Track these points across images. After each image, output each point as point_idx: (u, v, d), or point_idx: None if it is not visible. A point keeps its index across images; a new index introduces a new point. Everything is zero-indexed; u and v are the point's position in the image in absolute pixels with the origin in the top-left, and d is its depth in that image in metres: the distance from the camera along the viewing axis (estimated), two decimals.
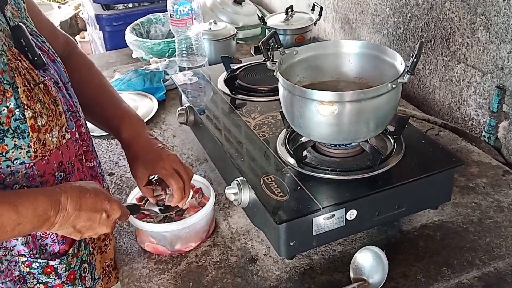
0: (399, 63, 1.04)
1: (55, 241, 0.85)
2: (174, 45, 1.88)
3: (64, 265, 0.87)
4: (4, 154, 0.76)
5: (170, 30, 2.13)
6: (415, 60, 0.96)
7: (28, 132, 0.77)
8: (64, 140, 0.85)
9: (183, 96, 1.43)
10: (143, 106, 1.60)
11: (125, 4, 2.58)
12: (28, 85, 0.78)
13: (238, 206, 1.06)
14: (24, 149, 0.77)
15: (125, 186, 1.27)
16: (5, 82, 0.74)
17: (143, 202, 1.09)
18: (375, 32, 1.73)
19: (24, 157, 0.78)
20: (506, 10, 1.20)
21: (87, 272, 0.92)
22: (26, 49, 0.80)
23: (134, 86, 1.69)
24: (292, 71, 1.11)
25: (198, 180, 1.13)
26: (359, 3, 1.79)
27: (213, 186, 1.13)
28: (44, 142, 0.80)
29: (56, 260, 0.85)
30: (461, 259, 0.99)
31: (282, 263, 1.01)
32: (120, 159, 1.37)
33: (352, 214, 0.98)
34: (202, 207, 1.06)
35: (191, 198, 1.07)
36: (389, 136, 1.13)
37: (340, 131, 1.00)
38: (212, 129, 1.24)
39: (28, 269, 0.84)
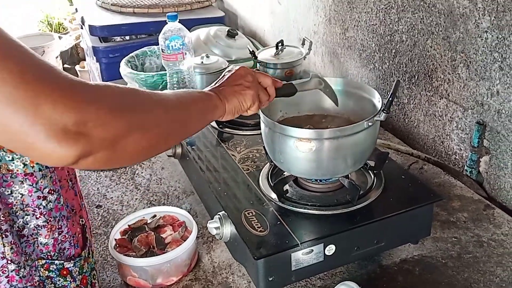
0: (377, 101, 1.07)
1: (71, 244, 0.87)
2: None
3: (78, 268, 0.88)
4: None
5: None
6: (390, 99, 0.99)
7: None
8: None
9: None
10: None
11: (122, 37, 2.64)
12: None
13: (220, 240, 1.07)
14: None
15: (112, 218, 1.29)
16: None
17: (126, 236, 1.10)
18: (362, 67, 1.77)
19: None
20: (484, 48, 1.24)
21: (96, 279, 0.94)
22: None
23: None
24: (275, 106, 1.14)
25: (181, 213, 1.15)
26: (346, 39, 1.83)
27: (198, 219, 1.15)
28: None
29: (71, 261, 0.87)
30: None
31: None
32: (108, 191, 1.39)
33: (330, 249, 0.99)
34: (185, 240, 1.07)
35: (175, 232, 1.09)
36: (369, 171, 1.15)
37: (319, 166, 1.02)
38: (197, 162, 1.26)
39: (47, 273, 0.85)
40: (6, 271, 0.80)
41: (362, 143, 1.02)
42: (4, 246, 0.78)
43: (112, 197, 1.37)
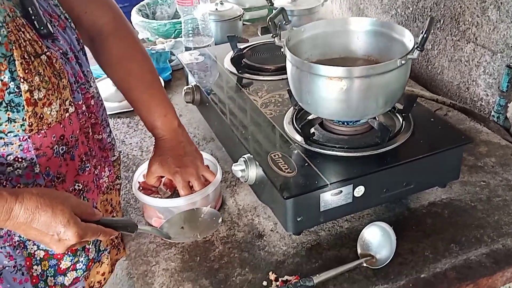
0: (408, 40, 1.03)
1: None
2: (180, 26, 1.87)
3: None
4: None
5: (176, 11, 2.13)
6: (425, 36, 0.95)
7: (23, 106, 0.76)
8: (67, 114, 0.84)
9: (190, 75, 1.43)
10: None
11: None
12: (27, 58, 0.76)
13: (245, 183, 1.06)
14: (18, 122, 0.76)
15: (132, 163, 1.27)
16: (0, 55, 0.73)
17: None
18: (383, 13, 1.71)
19: (18, 130, 0.77)
20: None
21: (91, 244, 0.93)
22: (33, 18, 0.79)
23: None
24: (299, 48, 1.10)
25: (205, 157, 1.13)
26: None
27: (219, 164, 1.13)
28: (42, 116, 0.79)
29: None
30: (469, 236, 0.99)
31: (289, 239, 1.01)
32: (126, 138, 1.37)
33: (359, 190, 0.97)
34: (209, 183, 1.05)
35: None
36: (397, 114, 1.12)
37: (349, 107, 0.99)
38: (218, 107, 1.23)
39: None
40: None
41: (394, 83, 0.98)
42: None
43: (131, 143, 1.35)
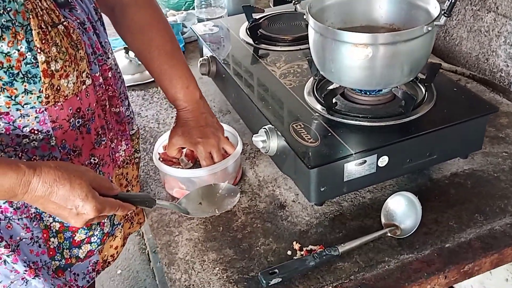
0: (433, 7, 1.01)
1: None
2: None
3: None
4: (13, 98, 0.74)
5: None
6: (452, 1, 0.92)
7: (40, 77, 0.74)
8: (84, 86, 0.82)
9: (204, 47, 1.40)
10: None
11: None
12: (44, 28, 0.74)
13: (265, 154, 1.04)
14: (35, 94, 0.75)
15: (149, 136, 1.26)
16: (17, 24, 0.71)
17: None
18: None
19: (34, 102, 0.76)
20: None
21: (106, 218, 0.92)
22: None
23: None
24: (321, 16, 1.07)
25: (225, 129, 1.12)
26: None
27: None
28: (58, 88, 0.77)
29: None
30: (493, 206, 0.98)
31: (311, 209, 1.00)
32: (142, 110, 1.36)
33: (384, 160, 0.96)
34: (229, 155, 1.04)
35: None
36: (419, 84, 1.10)
37: (373, 75, 0.97)
38: (236, 78, 1.21)
39: None
40: None
41: (419, 50, 0.96)
42: None
43: (147, 116, 1.33)
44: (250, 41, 1.35)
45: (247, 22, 1.42)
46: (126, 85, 1.41)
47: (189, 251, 0.93)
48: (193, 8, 1.72)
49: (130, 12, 1.00)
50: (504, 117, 1.23)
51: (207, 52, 1.39)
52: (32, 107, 0.76)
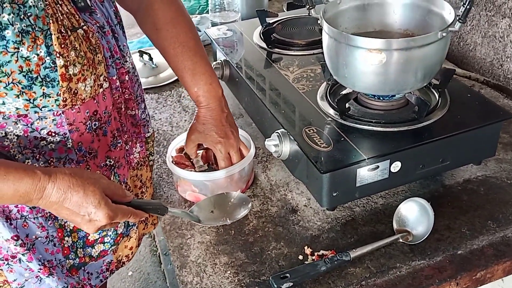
0: (448, 13, 1.00)
1: None
2: (205, 2, 1.86)
3: None
4: (32, 101, 0.75)
5: None
6: (467, 7, 0.92)
7: (58, 81, 0.75)
8: (101, 89, 0.83)
9: (218, 51, 1.41)
10: None
11: None
12: (64, 32, 0.75)
13: (278, 158, 1.05)
14: (53, 97, 0.76)
15: (162, 138, 1.27)
16: (36, 29, 0.72)
17: (183, 153, 1.09)
18: None
19: (52, 105, 0.77)
20: None
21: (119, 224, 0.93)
22: None
23: None
24: (335, 21, 1.08)
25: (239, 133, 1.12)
26: None
27: None
28: (76, 91, 0.78)
29: None
30: (506, 213, 0.98)
31: (323, 214, 1.00)
32: (156, 113, 1.37)
33: (396, 166, 0.96)
34: (242, 158, 1.05)
35: None
36: (433, 90, 1.10)
37: (387, 81, 0.97)
38: (249, 82, 1.22)
39: None
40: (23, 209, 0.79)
41: (433, 56, 0.96)
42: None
43: (160, 119, 1.34)
44: (264, 45, 1.36)
45: (260, 26, 1.42)
46: None
47: (201, 254, 0.94)
48: (207, 12, 1.73)
49: (155, 8, 1.01)
50: None
51: (220, 56, 1.40)
52: (49, 110, 0.77)
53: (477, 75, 1.41)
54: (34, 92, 0.75)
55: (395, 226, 0.95)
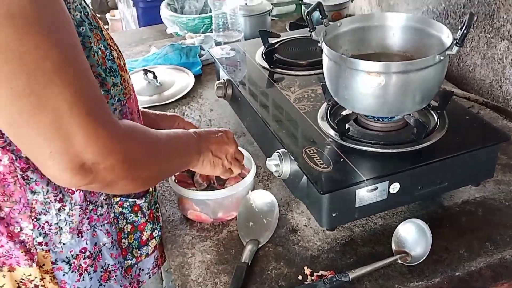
0: (446, 36, 1.02)
1: None
2: (209, 21, 1.89)
3: (147, 204, 0.91)
4: (109, 91, 0.79)
5: (204, 6, 2.14)
6: (465, 31, 0.94)
7: (118, 71, 0.81)
8: (131, 84, 0.89)
9: (221, 70, 1.43)
10: (180, 80, 1.61)
11: None
12: (104, 30, 0.82)
13: (278, 178, 1.06)
14: (119, 86, 0.81)
15: None
16: (93, 26, 0.78)
17: (186, 172, 1.10)
18: (414, 10, 1.70)
19: (120, 94, 0.82)
20: None
21: (159, 211, 0.97)
22: None
23: (170, 60, 1.70)
24: (335, 43, 1.10)
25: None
26: None
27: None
28: (128, 81, 0.85)
29: (142, 198, 0.90)
30: (504, 235, 0.98)
31: (323, 234, 1.01)
32: None
33: (395, 187, 0.97)
34: (243, 178, 1.06)
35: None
36: (432, 111, 1.11)
37: (386, 103, 0.99)
38: (251, 102, 1.24)
39: (120, 209, 0.88)
40: (87, 212, 0.82)
41: (431, 79, 0.98)
42: (81, 190, 0.79)
43: None
44: (266, 65, 1.38)
45: (263, 46, 1.45)
46: (144, 106, 1.46)
47: (202, 273, 0.95)
48: (211, 31, 1.76)
49: None
50: None
51: (223, 75, 1.42)
52: (118, 100, 0.82)
53: (477, 96, 1.42)
54: (108, 83, 0.79)
55: (393, 247, 0.96)
